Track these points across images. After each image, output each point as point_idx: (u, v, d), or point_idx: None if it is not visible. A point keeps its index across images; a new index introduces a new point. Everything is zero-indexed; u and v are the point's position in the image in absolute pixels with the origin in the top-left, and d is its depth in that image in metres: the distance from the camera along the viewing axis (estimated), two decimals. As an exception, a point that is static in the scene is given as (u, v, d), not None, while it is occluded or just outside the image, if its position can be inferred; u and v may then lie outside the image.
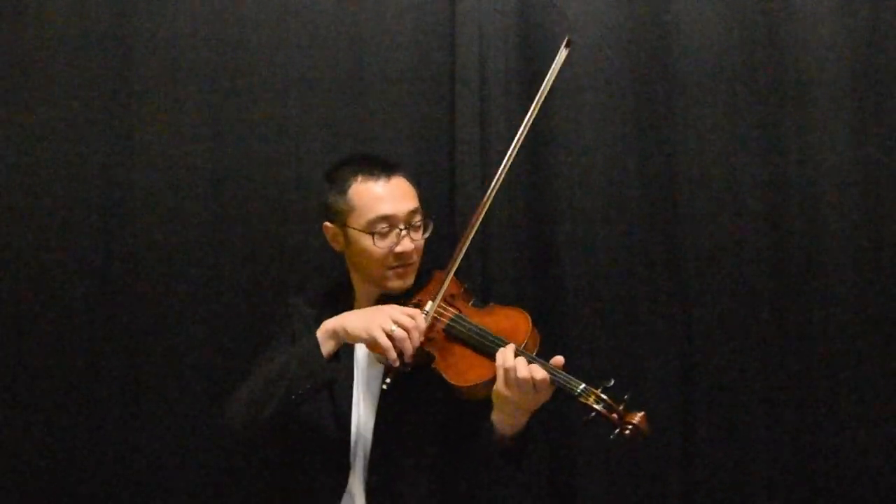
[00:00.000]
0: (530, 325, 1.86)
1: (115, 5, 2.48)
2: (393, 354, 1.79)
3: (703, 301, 2.44)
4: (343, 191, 1.96)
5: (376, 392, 1.94)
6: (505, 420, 1.78)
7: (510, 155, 1.95)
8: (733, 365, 2.42)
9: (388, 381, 1.83)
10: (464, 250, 1.93)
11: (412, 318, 1.82)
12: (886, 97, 2.43)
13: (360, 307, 2.01)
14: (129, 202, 2.47)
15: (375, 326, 1.81)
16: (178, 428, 2.45)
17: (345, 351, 1.95)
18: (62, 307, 2.46)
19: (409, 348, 1.80)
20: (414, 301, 1.96)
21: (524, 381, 1.71)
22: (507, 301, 2.09)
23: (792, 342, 2.43)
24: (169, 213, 2.48)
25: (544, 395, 1.75)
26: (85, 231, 2.47)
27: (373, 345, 1.83)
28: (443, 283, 1.90)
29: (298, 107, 2.51)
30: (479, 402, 1.81)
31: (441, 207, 2.41)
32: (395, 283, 1.97)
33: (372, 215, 1.92)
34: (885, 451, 2.39)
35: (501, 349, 1.77)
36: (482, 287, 2.37)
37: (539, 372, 1.72)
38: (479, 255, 2.43)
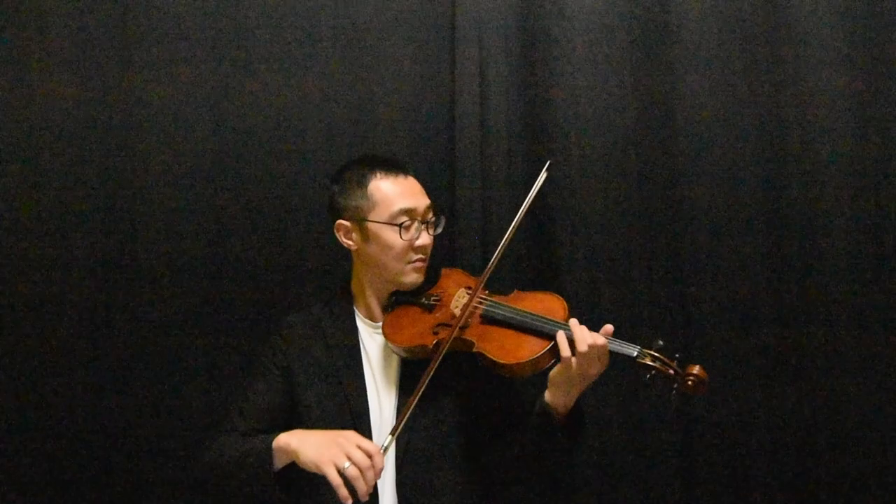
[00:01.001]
0: (565, 302, 1.94)
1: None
2: (344, 492, 1.72)
3: (703, 300, 2.44)
4: (362, 186, 2.00)
5: (393, 383, 1.98)
6: (561, 397, 1.83)
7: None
8: (733, 364, 2.42)
9: None
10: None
11: (369, 455, 1.75)
12: (886, 95, 2.43)
13: (366, 309, 2.05)
14: (128, 199, 2.48)
15: (327, 461, 1.75)
16: (179, 429, 2.45)
17: (348, 340, 2.00)
18: (61, 306, 2.46)
19: (362, 487, 1.73)
20: (434, 294, 2.01)
21: (592, 347, 1.78)
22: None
23: (792, 341, 2.42)
24: (170, 217, 2.49)
25: (604, 363, 1.81)
26: (85, 230, 2.47)
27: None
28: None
29: (298, 107, 2.52)
30: (522, 380, 1.90)
31: (440, 206, 2.40)
32: (411, 278, 2.01)
33: (395, 208, 1.97)
34: (885, 451, 2.38)
35: (571, 323, 1.83)
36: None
37: (599, 338, 1.80)
38: (478, 257, 2.44)
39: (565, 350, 1.80)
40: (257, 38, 2.51)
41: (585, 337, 1.80)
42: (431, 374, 1.84)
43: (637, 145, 2.49)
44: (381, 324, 2.02)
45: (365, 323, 2.05)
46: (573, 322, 1.84)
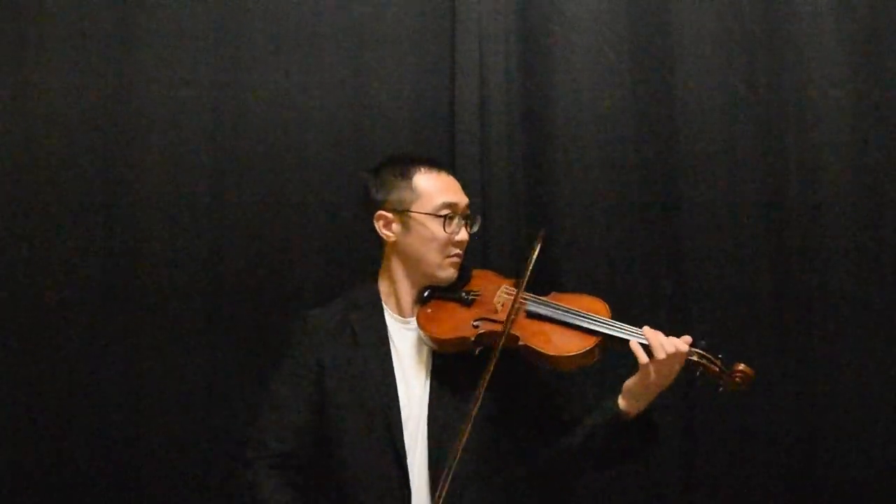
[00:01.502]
0: (606, 304, 1.97)
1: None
2: None
3: (704, 298, 2.44)
4: (406, 178, 2.02)
5: (424, 378, 1.98)
6: (635, 404, 1.86)
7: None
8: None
9: None
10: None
11: None
12: (886, 96, 2.44)
13: (396, 304, 2.04)
14: (128, 198, 2.48)
15: None
16: (181, 430, 2.45)
17: (378, 335, 2.00)
18: (60, 307, 2.45)
19: None
20: (472, 290, 2.03)
21: (672, 355, 1.80)
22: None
23: (793, 338, 2.43)
24: (170, 214, 2.49)
25: (679, 367, 1.84)
26: (84, 229, 2.47)
27: None
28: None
29: (298, 108, 2.52)
30: (564, 374, 1.95)
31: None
32: (448, 273, 2.03)
33: (439, 200, 2.00)
34: (885, 451, 2.39)
35: (644, 329, 1.85)
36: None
37: (682, 345, 1.82)
38: (479, 256, 2.44)
39: (643, 357, 1.82)
40: (257, 35, 2.51)
41: (664, 344, 1.82)
42: (490, 374, 1.83)
43: (637, 144, 2.50)
44: (410, 319, 2.01)
45: (394, 318, 2.04)
46: (647, 329, 1.86)
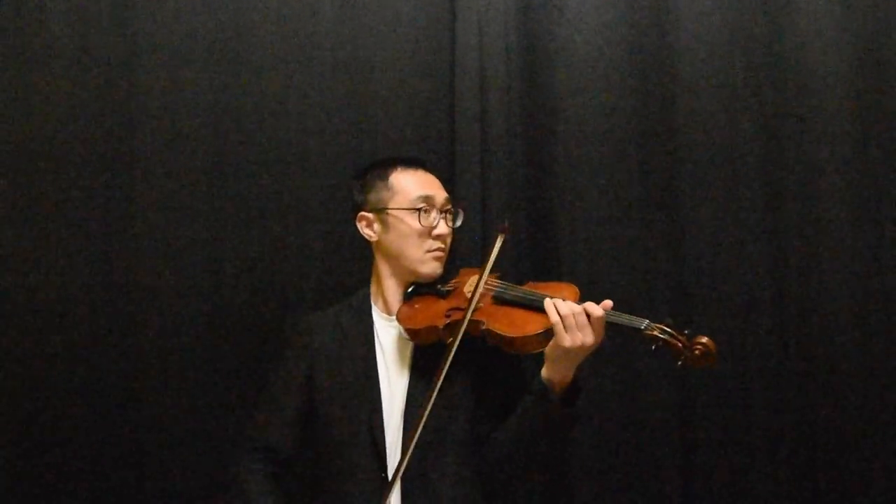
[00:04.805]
0: (577, 289, 1.96)
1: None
2: None
3: (704, 297, 2.44)
4: (384, 179, 2.07)
5: (406, 370, 2.02)
6: (557, 371, 1.87)
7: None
8: (733, 359, 2.42)
9: None
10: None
11: None
12: (886, 96, 2.44)
13: (383, 303, 2.08)
14: (128, 201, 2.48)
15: None
16: (180, 430, 2.46)
17: (363, 332, 2.05)
18: (58, 311, 2.46)
19: None
20: (449, 287, 2.05)
21: (578, 314, 1.82)
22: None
23: (792, 335, 2.43)
24: (168, 215, 2.49)
25: (599, 334, 1.84)
26: (83, 233, 2.47)
27: None
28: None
29: (298, 109, 2.52)
30: (530, 355, 1.92)
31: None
32: (430, 266, 2.05)
33: (415, 194, 2.04)
34: (885, 452, 2.38)
35: (551, 299, 1.87)
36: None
37: (595, 309, 1.83)
38: (478, 256, 2.44)
39: (553, 315, 1.84)
40: (257, 37, 2.51)
41: (567, 304, 1.84)
42: (451, 355, 1.86)
43: (637, 143, 2.50)
44: (394, 316, 2.04)
45: (381, 316, 2.08)
46: (558, 299, 1.87)
